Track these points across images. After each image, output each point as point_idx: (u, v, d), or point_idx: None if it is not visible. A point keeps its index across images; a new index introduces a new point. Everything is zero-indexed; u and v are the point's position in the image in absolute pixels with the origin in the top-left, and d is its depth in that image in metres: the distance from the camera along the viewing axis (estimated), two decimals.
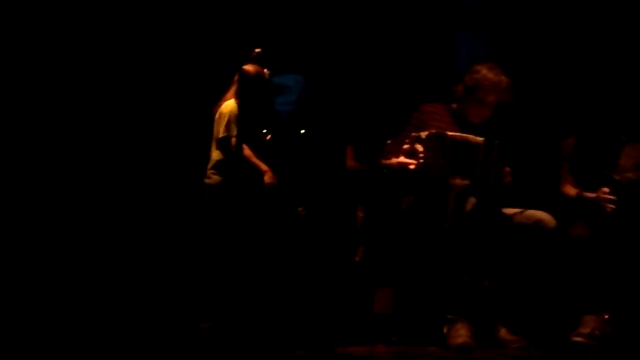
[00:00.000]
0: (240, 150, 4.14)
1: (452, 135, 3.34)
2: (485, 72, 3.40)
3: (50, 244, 4.09)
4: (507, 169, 3.42)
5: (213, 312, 3.88)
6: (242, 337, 3.51)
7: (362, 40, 5.40)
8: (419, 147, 3.33)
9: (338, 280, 3.94)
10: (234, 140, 4.12)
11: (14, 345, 3.16)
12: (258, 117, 4.28)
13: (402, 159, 3.39)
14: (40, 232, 4.08)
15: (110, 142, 4.50)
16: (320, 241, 4.27)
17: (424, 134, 3.35)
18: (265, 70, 4.27)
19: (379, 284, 3.68)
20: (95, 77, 4.44)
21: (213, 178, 4.17)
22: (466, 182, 3.33)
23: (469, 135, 3.36)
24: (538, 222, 3.36)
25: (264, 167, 4.16)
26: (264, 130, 4.40)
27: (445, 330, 3.29)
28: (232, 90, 4.22)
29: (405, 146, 3.37)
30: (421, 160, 3.32)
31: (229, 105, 4.18)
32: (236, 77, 4.22)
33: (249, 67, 4.20)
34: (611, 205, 3.40)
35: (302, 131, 5.02)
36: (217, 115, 4.20)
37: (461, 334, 3.24)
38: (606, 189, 3.45)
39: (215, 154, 4.18)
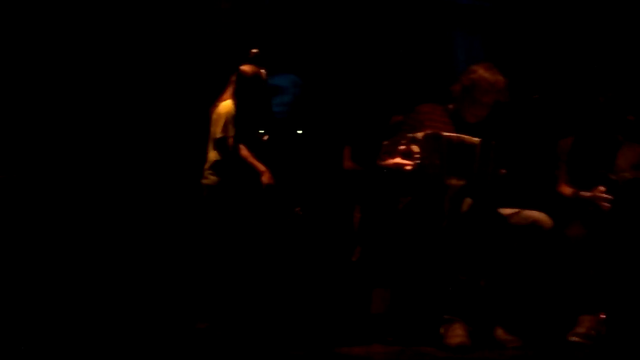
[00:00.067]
0: (238, 150, 4.15)
1: (447, 135, 3.35)
2: (482, 72, 3.40)
3: (47, 244, 4.08)
4: (503, 170, 3.42)
5: (210, 313, 3.87)
6: (239, 338, 3.51)
7: (360, 41, 5.40)
8: (415, 148, 3.33)
9: (335, 280, 3.94)
10: (231, 140, 4.12)
11: (10, 346, 3.15)
12: (255, 117, 4.29)
13: (398, 159, 3.39)
14: (38, 232, 4.08)
15: (108, 142, 4.49)
16: (318, 241, 4.27)
17: (419, 135, 3.35)
18: (263, 70, 4.27)
19: (376, 284, 3.68)
20: (92, 79, 4.44)
21: (210, 178, 4.17)
22: (462, 182, 3.33)
23: (465, 136, 3.36)
24: (534, 223, 3.36)
25: (261, 167, 4.16)
26: (261, 131, 4.40)
27: (442, 330, 3.29)
28: (229, 91, 4.22)
29: (401, 147, 3.37)
30: (417, 161, 3.33)
31: (226, 105, 4.18)
32: (233, 78, 4.22)
33: (246, 68, 4.21)
34: (607, 204, 3.41)
35: (299, 132, 5.02)
36: (214, 116, 4.20)
37: (458, 334, 3.25)
38: (602, 188, 3.45)
39: (213, 155, 4.18)
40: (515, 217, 3.37)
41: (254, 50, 4.28)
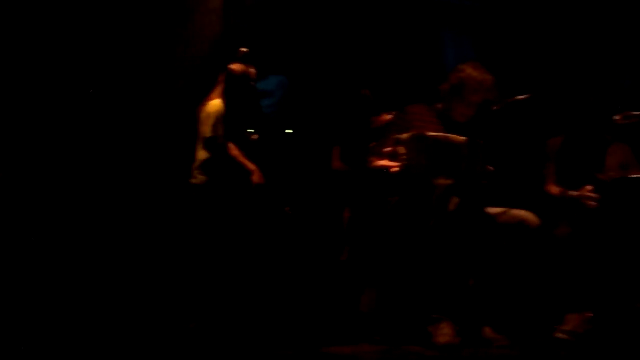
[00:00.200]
0: (227, 149, 4.15)
1: (433, 135, 3.34)
2: (470, 71, 3.41)
3: (37, 244, 4.06)
4: (490, 167, 3.42)
5: (200, 312, 3.86)
6: (228, 337, 3.50)
7: (349, 41, 5.40)
8: (401, 150, 3.33)
9: (323, 279, 3.94)
10: (220, 139, 4.11)
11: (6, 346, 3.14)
12: (244, 116, 4.28)
13: (384, 161, 3.40)
14: (27, 233, 4.06)
15: (97, 142, 4.48)
16: (306, 241, 4.27)
17: (405, 136, 3.35)
18: (252, 69, 4.27)
19: (365, 284, 3.68)
20: (80, 79, 4.42)
21: (199, 178, 4.16)
22: (450, 181, 3.33)
23: (452, 135, 3.36)
24: (521, 221, 3.37)
25: (251, 166, 4.16)
26: (250, 130, 4.40)
27: (430, 329, 3.29)
28: (218, 90, 4.22)
29: (387, 149, 3.37)
30: (403, 162, 3.33)
31: (215, 104, 4.18)
32: (221, 77, 4.22)
33: (235, 66, 4.21)
34: (594, 204, 3.41)
35: (289, 131, 5.02)
36: (202, 115, 4.19)
37: (446, 332, 3.25)
38: (589, 188, 3.46)
39: (201, 154, 4.18)
40: (503, 216, 3.38)
41: (243, 49, 4.28)
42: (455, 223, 3.29)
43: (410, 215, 3.36)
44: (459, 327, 3.28)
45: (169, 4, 4.64)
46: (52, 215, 4.17)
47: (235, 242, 4.05)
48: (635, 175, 3.37)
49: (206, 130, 4.16)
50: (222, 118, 4.15)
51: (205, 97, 4.24)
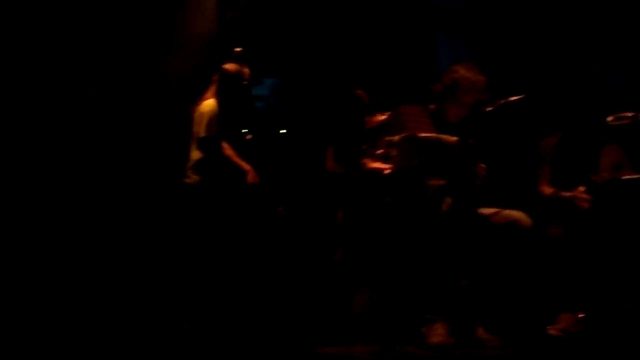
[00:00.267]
0: (221, 149, 4.14)
1: (424, 136, 3.35)
2: (463, 72, 3.42)
3: (27, 246, 4.05)
4: (483, 165, 3.42)
5: (193, 312, 3.86)
6: (221, 337, 3.50)
7: (344, 42, 5.41)
8: (393, 152, 3.34)
9: (317, 280, 3.94)
10: (214, 139, 4.11)
11: None
12: (238, 116, 4.28)
13: (377, 164, 3.41)
14: (16, 235, 4.05)
15: (91, 143, 4.47)
16: (300, 241, 4.27)
17: (396, 138, 3.36)
18: (246, 69, 4.26)
19: (358, 284, 3.68)
20: (75, 79, 4.41)
21: (192, 178, 4.16)
22: (442, 182, 3.34)
23: (443, 136, 3.37)
24: (514, 222, 3.38)
25: (246, 166, 4.15)
26: (245, 130, 4.39)
27: (423, 329, 3.30)
28: (212, 90, 4.21)
29: (379, 151, 3.38)
30: (395, 164, 3.33)
31: (209, 104, 4.17)
32: (215, 77, 4.21)
33: (229, 66, 4.20)
34: (586, 204, 3.43)
35: (283, 131, 5.02)
36: (196, 115, 4.18)
37: (439, 333, 3.26)
38: (582, 188, 3.47)
39: (195, 154, 4.17)
40: (495, 217, 3.39)
41: (237, 49, 4.28)
42: (448, 223, 3.30)
43: (403, 216, 3.37)
44: (452, 328, 3.29)
45: (162, 4, 4.64)
46: (46, 215, 4.16)
47: (229, 243, 4.05)
48: (627, 177, 3.39)
49: (200, 130, 4.15)
50: (216, 118, 4.14)
51: (199, 97, 4.24)
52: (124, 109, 4.52)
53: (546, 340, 3.33)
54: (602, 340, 3.30)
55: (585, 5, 5.20)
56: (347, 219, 4.06)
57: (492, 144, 3.50)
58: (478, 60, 3.63)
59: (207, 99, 4.21)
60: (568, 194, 3.52)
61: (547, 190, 3.65)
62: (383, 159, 3.39)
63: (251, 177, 4.14)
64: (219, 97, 4.18)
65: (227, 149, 4.16)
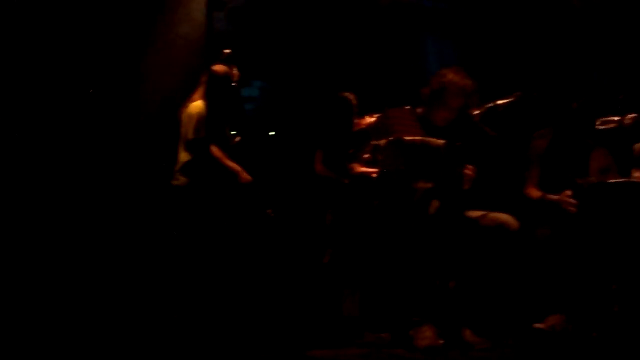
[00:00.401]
0: (209, 151, 4.13)
1: (410, 139, 3.36)
2: (451, 76, 3.43)
3: (17, 248, 4.03)
4: (471, 167, 3.44)
5: (181, 315, 3.85)
6: (209, 340, 3.50)
7: (332, 45, 5.41)
8: (380, 155, 3.35)
9: (306, 282, 3.94)
10: (203, 141, 4.10)
11: None
12: (227, 118, 4.27)
13: (364, 168, 3.42)
14: (8, 236, 4.03)
15: (80, 145, 4.45)
16: (289, 243, 4.27)
17: (382, 142, 3.37)
18: (235, 70, 4.25)
19: (347, 287, 3.69)
20: (63, 81, 4.39)
21: (181, 180, 4.15)
22: (429, 185, 3.35)
23: (430, 139, 3.38)
24: (501, 225, 3.40)
25: (236, 167, 4.14)
26: (233, 132, 4.38)
27: (411, 332, 3.31)
28: (200, 92, 4.20)
29: (366, 155, 3.39)
30: (382, 168, 3.35)
31: (197, 106, 4.16)
32: (204, 78, 4.19)
33: (217, 67, 4.19)
34: (573, 208, 3.45)
35: (271, 133, 5.02)
36: (184, 117, 4.17)
37: (427, 335, 3.27)
38: (569, 192, 3.49)
39: (183, 156, 4.16)
40: (483, 219, 3.41)
41: (227, 51, 4.26)
42: (436, 226, 3.32)
43: (391, 218, 3.38)
44: (440, 330, 3.30)
45: (146, 6, 4.62)
46: (37, 217, 4.15)
47: (218, 245, 4.04)
48: (613, 180, 3.41)
49: (188, 132, 4.14)
50: (204, 120, 4.13)
51: (187, 98, 4.23)
52: (109, 111, 4.50)
53: (534, 342, 3.35)
54: (589, 342, 3.33)
55: (574, 8, 5.23)
56: (335, 221, 4.06)
57: (480, 146, 3.52)
58: (466, 63, 3.65)
59: (195, 101, 4.19)
60: (555, 197, 3.54)
61: (534, 193, 3.66)
62: (370, 162, 3.40)
63: (243, 176, 4.13)
64: (207, 98, 4.17)
65: (215, 151, 4.15)
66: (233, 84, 4.24)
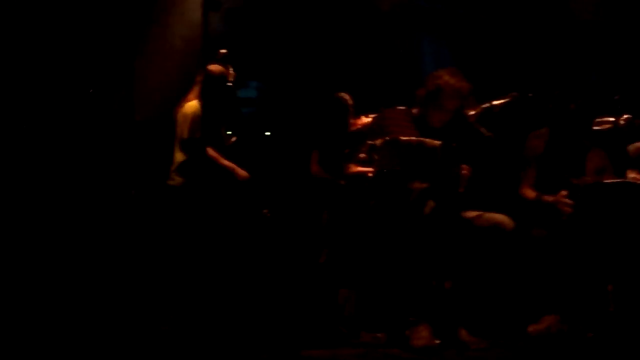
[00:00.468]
0: (204, 151, 4.13)
1: (406, 140, 3.37)
2: (447, 78, 3.43)
3: (14, 249, 4.02)
4: (467, 166, 3.44)
5: (174, 314, 3.85)
6: (203, 340, 3.50)
7: (329, 46, 5.41)
8: (375, 156, 3.36)
9: (302, 282, 3.94)
10: (198, 141, 4.09)
11: None
12: (222, 118, 4.26)
13: (360, 168, 3.43)
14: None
15: (75, 146, 4.44)
16: (285, 243, 4.27)
17: (378, 142, 3.38)
18: (231, 70, 4.25)
19: (343, 286, 3.69)
20: (57, 81, 4.38)
21: (176, 180, 4.14)
22: (425, 185, 3.36)
23: (425, 139, 3.38)
24: (497, 225, 3.41)
25: (231, 165, 4.13)
26: (229, 132, 4.38)
27: (407, 332, 3.32)
28: (195, 91, 4.19)
29: (362, 155, 3.40)
30: (378, 168, 3.35)
31: (192, 106, 4.15)
32: (199, 78, 4.19)
33: (213, 67, 4.18)
34: (568, 209, 3.46)
35: (267, 133, 5.02)
36: (179, 117, 4.16)
37: (423, 335, 3.28)
38: (564, 193, 3.50)
39: (179, 156, 4.15)
40: (478, 220, 3.42)
41: (223, 51, 4.26)
42: (432, 226, 3.32)
43: (387, 218, 3.39)
44: (436, 330, 3.31)
45: (146, 6, 4.62)
46: (30, 218, 4.13)
47: (214, 245, 4.04)
48: (609, 181, 3.43)
49: (183, 132, 4.14)
50: (200, 119, 4.12)
51: (182, 98, 4.22)
52: (105, 112, 4.49)
53: (530, 342, 3.37)
54: (584, 342, 3.34)
55: (569, 13, 5.25)
56: (331, 221, 4.07)
57: (475, 147, 3.52)
58: (462, 64, 3.66)
59: (190, 101, 4.19)
60: (551, 198, 3.54)
61: (530, 193, 3.67)
62: (365, 163, 3.41)
63: (240, 173, 4.12)
64: (202, 98, 4.17)
65: (211, 151, 4.15)
66: (229, 84, 4.24)
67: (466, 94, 3.44)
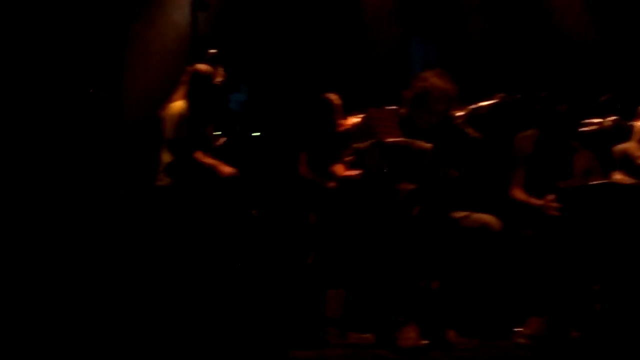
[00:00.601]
0: (191, 151, 4.11)
1: (393, 141, 3.37)
2: (434, 80, 3.42)
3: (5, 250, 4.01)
4: (454, 172, 3.45)
5: (163, 316, 3.84)
6: (191, 342, 3.49)
7: (316, 46, 5.41)
8: (363, 158, 3.36)
9: (290, 283, 3.94)
10: (184, 141, 4.08)
11: None
12: (209, 118, 4.25)
13: (347, 171, 3.43)
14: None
15: (65, 146, 4.42)
16: (273, 244, 4.26)
17: (365, 144, 3.38)
18: (220, 70, 4.23)
19: (331, 287, 3.69)
20: (50, 82, 4.36)
21: (164, 180, 4.12)
22: (413, 186, 3.36)
23: (413, 141, 3.38)
24: (484, 225, 3.42)
25: (213, 162, 4.10)
26: (218, 133, 4.36)
27: (394, 333, 3.33)
28: (180, 92, 4.17)
29: (348, 158, 3.40)
30: (365, 170, 3.36)
31: (178, 106, 4.13)
32: (185, 78, 4.17)
33: (199, 67, 4.16)
34: (556, 212, 3.47)
35: (256, 134, 5.00)
36: (166, 117, 4.14)
37: (411, 336, 3.28)
38: (552, 197, 3.51)
39: (166, 156, 4.14)
40: (466, 220, 3.43)
41: (212, 51, 4.25)
42: (419, 227, 3.33)
43: (374, 219, 3.39)
44: (424, 331, 3.32)
45: (134, 6, 4.60)
46: (24, 219, 4.12)
47: (202, 245, 4.03)
48: (595, 182, 3.44)
49: (170, 132, 4.12)
50: (186, 120, 4.10)
51: (168, 99, 4.20)
52: (92, 112, 4.47)
53: (516, 342, 3.38)
54: (571, 342, 3.36)
55: (561, 13, 5.28)
56: (319, 221, 4.06)
57: (462, 148, 3.53)
58: (450, 66, 3.66)
59: (176, 101, 4.17)
60: (538, 202, 3.54)
61: (520, 195, 3.66)
62: (352, 165, 3.41)
63: (226, 170, 4.08)
64: (188, 98, 4.15)
65: (198, 152, 4.13)
66: (215, 84, 4.22)
67: (453, 97, 3.44)
